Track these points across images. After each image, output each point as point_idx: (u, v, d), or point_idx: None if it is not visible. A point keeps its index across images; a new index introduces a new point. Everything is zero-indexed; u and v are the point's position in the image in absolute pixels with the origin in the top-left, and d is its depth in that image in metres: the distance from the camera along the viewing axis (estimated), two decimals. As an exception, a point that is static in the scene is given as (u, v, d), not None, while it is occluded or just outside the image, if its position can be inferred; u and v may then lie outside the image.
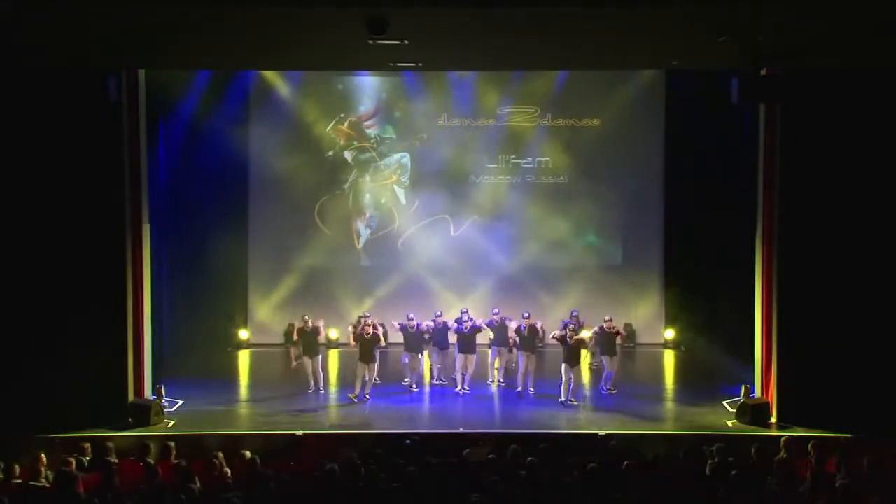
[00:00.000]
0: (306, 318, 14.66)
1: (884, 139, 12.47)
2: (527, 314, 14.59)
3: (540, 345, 14.72)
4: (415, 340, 14.51)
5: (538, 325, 14.66)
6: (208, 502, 8.30)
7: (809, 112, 12.37)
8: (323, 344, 14.89)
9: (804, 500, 8.50)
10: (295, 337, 14.88)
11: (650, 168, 17.78)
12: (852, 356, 12.40)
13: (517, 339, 14.43)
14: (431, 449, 10.15)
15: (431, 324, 14.75)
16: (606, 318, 14.60)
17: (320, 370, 14.41)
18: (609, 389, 14.18)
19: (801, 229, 12.61)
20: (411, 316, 14.76)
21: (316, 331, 14.49)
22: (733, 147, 15.27)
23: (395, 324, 14.78)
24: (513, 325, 14.69)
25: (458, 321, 14.65)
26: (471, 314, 15.01)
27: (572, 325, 14.24)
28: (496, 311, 15.10)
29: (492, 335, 14.85)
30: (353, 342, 14.33)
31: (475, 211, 17.90)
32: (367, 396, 13.96)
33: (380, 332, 14.28)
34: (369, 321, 14.43)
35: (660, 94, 17.52)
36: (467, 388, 14.34)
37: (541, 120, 17.81)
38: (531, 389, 14.21)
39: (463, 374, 14.41)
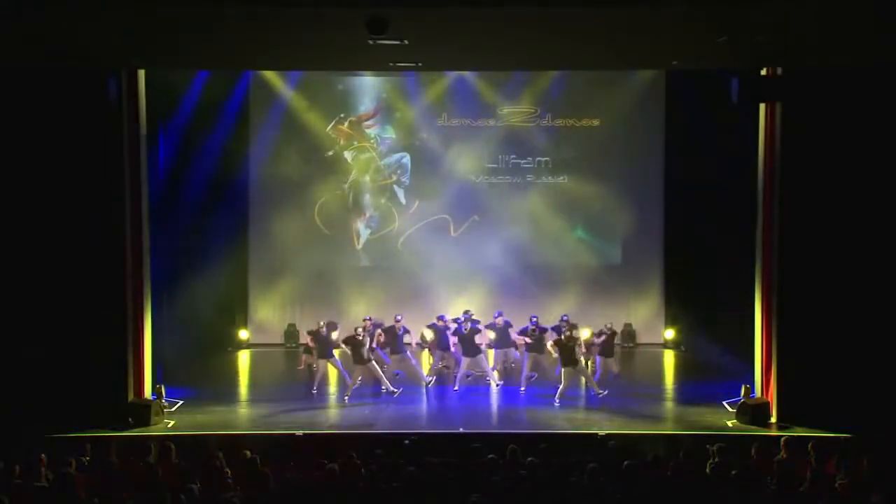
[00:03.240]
0: (321, 323, 14.63)
1: (884, 138, 12.47)
2: (535, 317, 14.65)
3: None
4: (399, 342, 14.51)
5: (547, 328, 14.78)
6: (208, 502, 8.30)
7: (809, 112, 12.36)
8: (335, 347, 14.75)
9: (804, 500, 8.50)
10: (309, 341, 14.86)
11: (650, 168, 17.78)
12: (852, 356, 12.40)
13: (526, 340, 14.49)
14: (431, 449, 10.15)
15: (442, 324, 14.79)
16: (607, 324, 14.64)
17: (328, 372, 14.41)
18: (598, 392, 14.09)
19: (801, 229, 12.60)
20: (399, 317, 14.79)
21: (330, 335, 14.45)
22: (733, 147, 15.26)
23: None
24: (514, 329, 14.81)
25: (458, 322, 14.68)
26: (473, 315, 15.03)
27: (566, 332, 14.21)
28: (498, 313, 15.13)
29: (492, 336, 14.87)
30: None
31: (475, 211, 17.92)
32: (395, 391, 14.04)
33: (366, 337, 14.15)
34: (358, 326, 14.40)
35: (660, 94, 17.52)
36: (500, 383, 14.43)
37: (541, 120, 17.82)
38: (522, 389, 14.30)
39: (468, 375, 14.46)
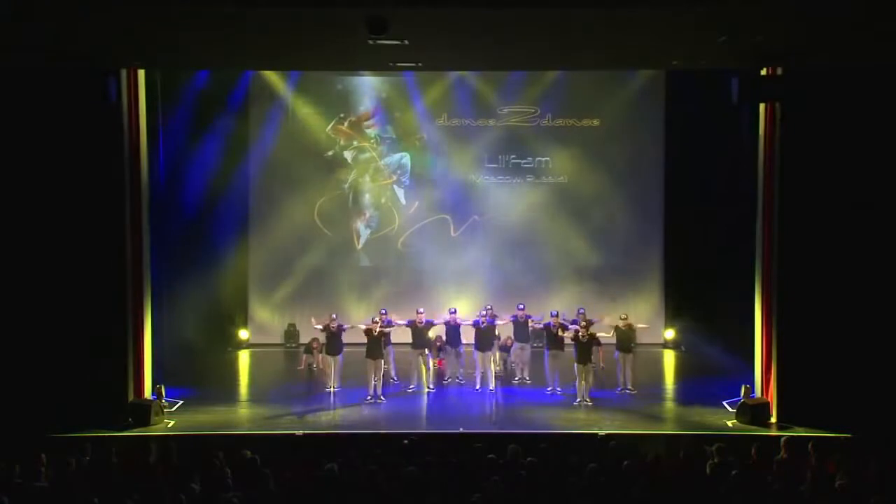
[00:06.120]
0: (334, 316, 14.59)
1: (884, 138, 12.48)
2: (555, 312, 14.63)
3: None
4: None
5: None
6: (208, 502, 8.30)
7: (809, 111, 12.37)
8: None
9: (804, 500, 8.50)
10: (320, 333, 14.86)
11: (650, 168, 17.77)
12: (852, 356, 12.41)
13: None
14: (431, 449, 10.15)
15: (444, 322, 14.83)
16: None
17: (339, 369, 14.39)
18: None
19: (801, 229, 12.61)
20: (383, 311, 14.85)
21: (340, 330, 14.41)
22: (733, 147, 15.26)
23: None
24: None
25: (476, 320, 14.73)
26: (494, 311, 15.03)
27: (583, 323, 14.20)
28: (520, 306, 15.11)
29: (511, 334, 14.96)
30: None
31: (475, 211, 17.92)
32: (382, 399, 14.04)
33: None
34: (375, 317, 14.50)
35: (660, 94, 17.51)
36: (493, 387, 14.37)
37: (541, 120, 17.81)
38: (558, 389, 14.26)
39: (483, 371, 14.46)
